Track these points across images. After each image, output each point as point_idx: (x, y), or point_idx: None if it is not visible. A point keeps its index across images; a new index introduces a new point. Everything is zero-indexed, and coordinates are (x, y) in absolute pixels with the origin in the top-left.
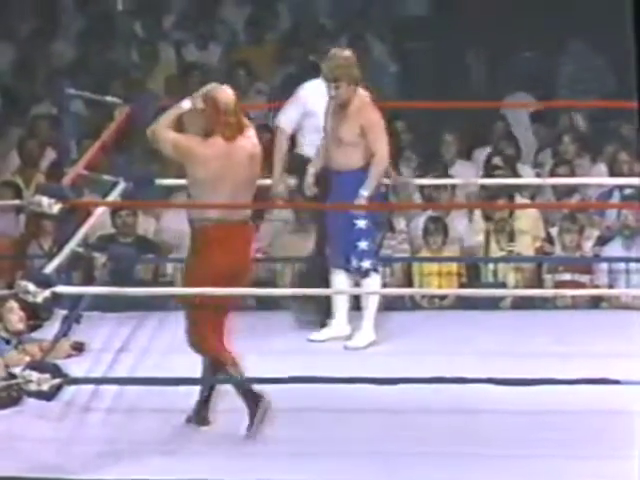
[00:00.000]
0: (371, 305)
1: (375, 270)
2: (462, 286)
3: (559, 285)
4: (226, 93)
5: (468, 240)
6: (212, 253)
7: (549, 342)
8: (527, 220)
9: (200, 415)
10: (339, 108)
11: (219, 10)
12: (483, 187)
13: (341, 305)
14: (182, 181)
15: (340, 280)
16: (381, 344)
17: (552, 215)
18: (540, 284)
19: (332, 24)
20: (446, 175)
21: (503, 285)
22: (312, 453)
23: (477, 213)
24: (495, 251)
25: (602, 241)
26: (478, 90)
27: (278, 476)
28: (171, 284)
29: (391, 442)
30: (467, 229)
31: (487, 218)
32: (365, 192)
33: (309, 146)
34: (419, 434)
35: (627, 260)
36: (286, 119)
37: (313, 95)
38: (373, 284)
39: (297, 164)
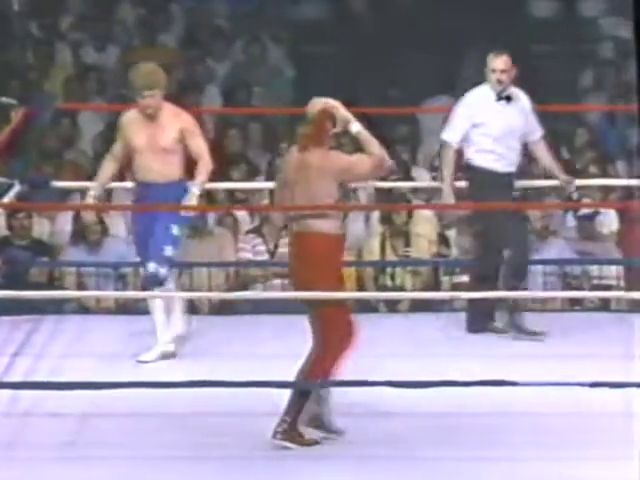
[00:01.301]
0: (174, 320)
1: (166, 280)
2: (361, 289)
3: (456, 287)
4: None
5: (364, 243)
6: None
7: (446, 344)
8: (423, 224)
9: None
10: (149, 118)
11: (116, 11)
12: (380, 190)
13: (159, 321)
14: (77, 184)
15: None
16: (287, 348)
17: (448, 218)
18: (437, 287)
19: (228, 26)
20: None
21: (401, 288)
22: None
23: (374, 216)
24: (390, 255)
25: None
26: (378, 93)
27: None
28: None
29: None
30: (363, 232)
31: (384, 221)
32: (195, 189)
33: (479, 154)
34: (346, 437)
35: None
36: (453, 133)
37: (479, 104)
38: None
39: (469, 174)
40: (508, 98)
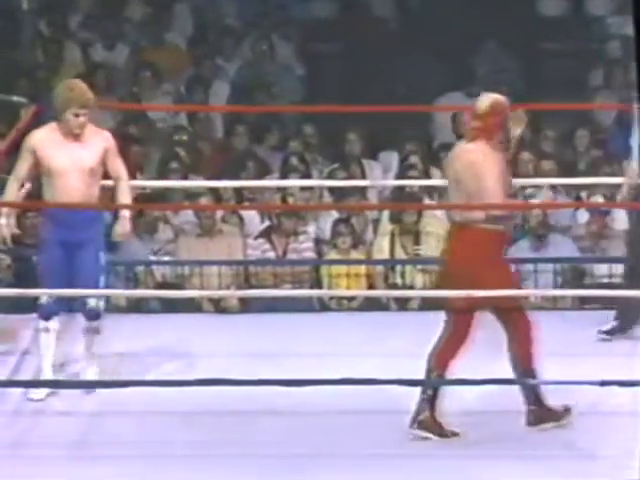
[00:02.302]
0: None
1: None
2: (370, 288)
3: None
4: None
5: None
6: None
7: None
8: (434, 222)
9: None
10: (72, 137)
11: (125, 9)
12: (395, 189)
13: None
14: None
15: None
16: (291, 346)
17: None
18: None
19: (238, 25)
20: (357, 177)
21: (411, 287)
22: (215, 455)
23: (384, 215)
24: (400, 254)
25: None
26: (387, 91)
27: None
28: None
29: (298, 445)
30: (373, 231)
31: (394, 220)
32: (126, 212)
33: None
34: (327, 436)
35: (535, 261)
36: None
37: None
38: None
39: None
40: None
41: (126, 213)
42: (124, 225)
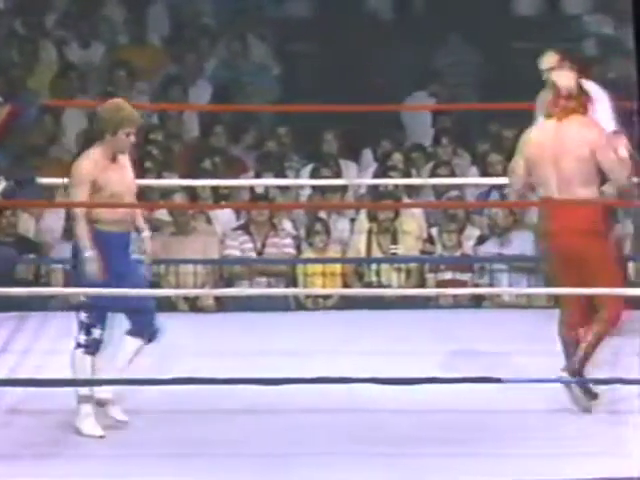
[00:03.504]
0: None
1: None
2: (345, 286)
3: (441, 284)
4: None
5: (350, 240)
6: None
7: (432, 341)
8: (411, 221)
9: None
10: (112, 159)
11: (102, 8)
12: (372, 187)
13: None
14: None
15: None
16: (267, 345)
17: (433, 215)
18: (423, 283)
19: (214, 24)
20: (333, 176)
21: (387, 285)
22: (189, 454)
23: (362, 213)
24: (377, 252)
25: (482, 240)
26: (362, 91)
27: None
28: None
29: (274, 443)
30: (350, 229)
31: (371, 219)
32: (147, 232)
33: None
34: (302, 435)
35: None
36: None
37: None
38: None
39: None
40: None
41: (147, 233)
42: (148, 246)
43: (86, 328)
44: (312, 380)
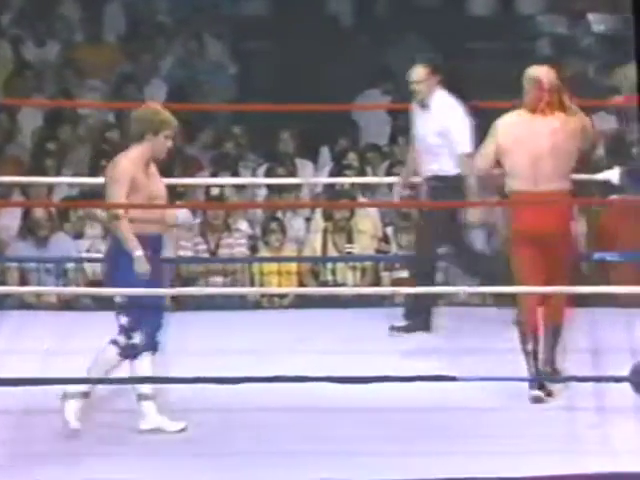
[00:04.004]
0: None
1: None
2: (301, 285)
3: (396, 283)
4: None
5: (306, 239)
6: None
7: (387, 339)
8: (366, 220)
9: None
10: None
11: (57, 7)
12: (328, 186)
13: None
14: (18, 178)
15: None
16: (223, 344)
17: (388, 215)
18: (378, 282)
19: (170, 22)
20: (289, 175)
21: (342, 284)
22: (145, 453)
23: (317, 212)
24: (332, 251)
25: None
26: (318, 90)
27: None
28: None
29: (229, 441)
30: (306, 228)
31: (327, 218)
32: None
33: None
34: (257, 433)
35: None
36: None
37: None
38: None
39: None
40: (424, 106)
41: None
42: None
43: (126, 332)
44: (268, 379)
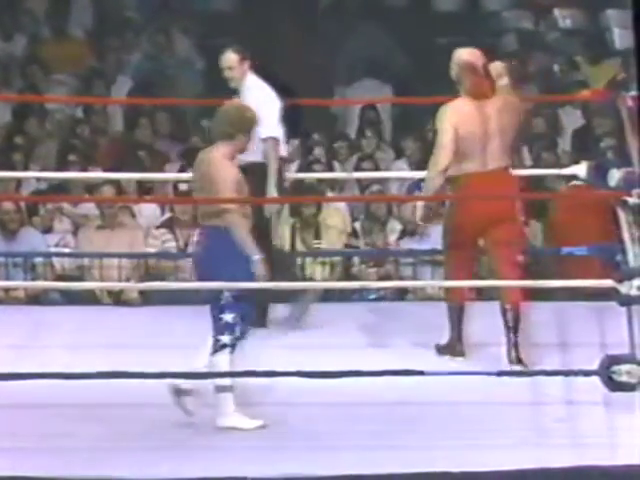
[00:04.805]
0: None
1: (232, 346)
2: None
3: (366, 277)
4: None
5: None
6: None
7: (357, 333)
8: (335, 215)
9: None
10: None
11: (24, 1)
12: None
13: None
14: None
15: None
16: (192, 339)
17: (356, 209)
18: (348, 277)
19: (138, 17)
20: None
21: (310, 279)
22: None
23: (285, 208)
24: (300, 247)
25: (406, 234)
26: (285, 84)
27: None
28: None
29: (171, 437)
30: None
31: (294, 213)
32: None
33: None
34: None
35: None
36: None
37: None
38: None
39: None
40: (235, 92)
41: None
42: None
43: (232, 328)
44: (239, 374)
